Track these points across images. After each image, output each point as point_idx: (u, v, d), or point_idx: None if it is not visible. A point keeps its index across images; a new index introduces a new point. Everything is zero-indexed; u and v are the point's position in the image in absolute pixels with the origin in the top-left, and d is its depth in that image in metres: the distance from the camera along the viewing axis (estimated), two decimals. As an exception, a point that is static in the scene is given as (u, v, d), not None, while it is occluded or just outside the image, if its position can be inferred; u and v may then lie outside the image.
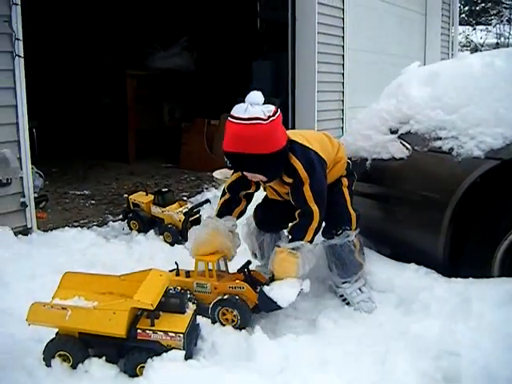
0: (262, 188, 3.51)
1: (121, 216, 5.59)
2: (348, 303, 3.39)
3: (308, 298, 3.42)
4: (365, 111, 4.04)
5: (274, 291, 3.03)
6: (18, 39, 4.50)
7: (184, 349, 2.65)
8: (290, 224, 3.23)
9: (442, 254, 3.35)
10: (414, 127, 3.60)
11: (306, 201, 3.10)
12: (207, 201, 4.95)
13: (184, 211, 4.76)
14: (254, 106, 2.96)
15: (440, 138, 3.45)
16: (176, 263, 3.16)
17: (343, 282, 3.41)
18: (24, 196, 4.71)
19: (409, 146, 3.59)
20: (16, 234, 4.53)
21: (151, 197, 5.09)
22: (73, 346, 2.71)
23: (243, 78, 9.15)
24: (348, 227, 3.35)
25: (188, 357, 2.68)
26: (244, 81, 9.05)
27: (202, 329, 2.96)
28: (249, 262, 3.33)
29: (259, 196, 3.68)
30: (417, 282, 3.33)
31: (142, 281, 2.80)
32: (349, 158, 3.88)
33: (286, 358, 2.76)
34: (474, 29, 25.19)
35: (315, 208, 3.10)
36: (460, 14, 14.34)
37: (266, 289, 3.07)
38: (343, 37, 8.40)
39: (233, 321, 3.12)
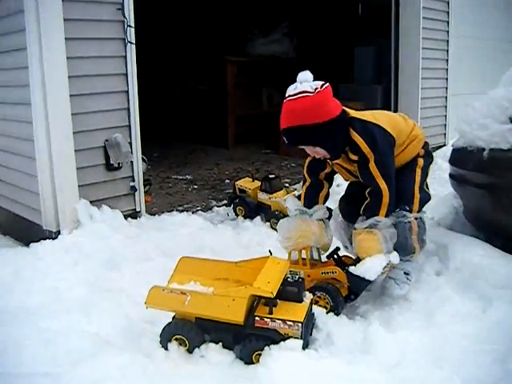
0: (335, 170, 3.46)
1: (224, 201, 5.65)
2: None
3: (421, 289, 3.35)
4: (481, 99, 3.88)
5: (359, 269, 3.05)
6: (130, 26, 4.58)
7: (301, 338, 2.64)
8: (363, 205, 3.19)
9: None
10: (538, 116, 3.45)
11: (374, 177, 3.09)
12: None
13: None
14: (302, 83, 3.01)
15: None
16: (270, 251, 3.16)
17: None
18: (133, 180, 4.82)
19: (530, 137, 3.44)
20: (126, 217, 4.64)
21: (258, 183, 5.10)
22: (190, 331, 2.75)
23: (344, 64, 9.06)
24: (407, 207, 3.25)
25: (305, 346, 2.67)
26: (345, 67, 8.98)
27: (317, 318, 2.94)
28: (338, 248, 3.35)
29: (342, 189, 3.64)
30: (537, 279, 3.20)
31: (258, 268, 2.81)
32: (464, 147, 3.78)
33: (402, 352, 2.70)
34: None
35: (383, 185, 3.07)
36: None
37: (351, 268, 3.09)
38: (448, 22, 8.12)
39: (325, 307, 3.10)
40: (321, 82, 3.05)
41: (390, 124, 3.22)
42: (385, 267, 3.07)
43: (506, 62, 7.05)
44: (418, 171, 3.37)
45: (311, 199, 3.39)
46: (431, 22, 7.75)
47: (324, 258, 3.42)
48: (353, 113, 3.22)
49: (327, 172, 3.41)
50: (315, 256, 3.40)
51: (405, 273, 3.38)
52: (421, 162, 3.40)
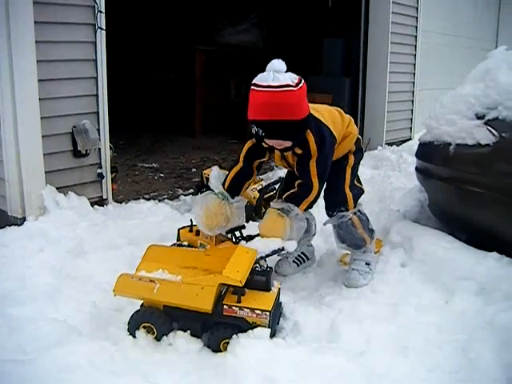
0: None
1: (191, 190, 5.66)
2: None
3: (387, 280, 3.42)
4: (449, 95, 3.94)
5: (248, 244, 3.04)
6: (101, 12, 4.54)
7: (269, 327, 2.67)
8: (288, 192, 3.20)
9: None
10: (503, 114, 3.50)
11: (310, 175, 3.10)
12: (282, 179, 4.86)
13: (259, 188, 4.76)
14: (280, 74, 2.92)
15: (530, 126, 3.36)
16: (191, 220, 3.30)
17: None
18: (101, 167, 4.79)
19: (496, 133, 3.49)
20: (92, 204, 4.61)
21: (225, 172, 5.07)
22: (158, 319, 2.76)
23: (313, 55, 9.09)
24: (343, 208, 3.38)
25: (272, 335, 2.70)
26: (314, 59, 9.00)
27: (284, 307, 2.97)
28: (243, 227, 3.39)
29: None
30: (499, 271, 3.26)
31: (226, 257, 2.82)
32: (431, 142, 3.84)
33: (368, 341, 2.75)
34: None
35: (316, 183, 3.11)
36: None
37: (242, 243, 3.10)
38: (417, 17, 8.22)
39: None
40: (298, 76, 3.00)
41: (332, 123, 3.24)
42: (276, 252, 3.04)
43: (473, 58, 7.15)
44: (349, 170, 3.43)
45: (236, 185, 3.36)
46: (400, 16, 7.85)
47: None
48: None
49: (262, 161, 3.40)
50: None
51: (366, 263, 3.52)
52: (351, 160, 3.45)
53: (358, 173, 3.55)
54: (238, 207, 3.33)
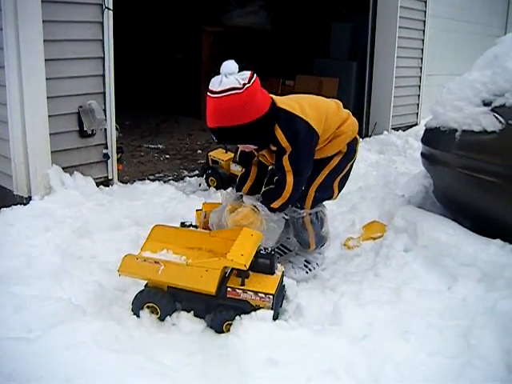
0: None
1: (196, 172, 5.67)
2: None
3: (390, 265, 3.42)
4: (456, 81, 3.92)
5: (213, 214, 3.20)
6: (108, -9, 4.54)
7: (272, 309, 2.69)
8: (267, 187, 3.21)
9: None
10: (510, 101, 3.47)
11: (284, 170, 3.03)
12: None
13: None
14: (228, 77, 2.86)
15: (537, 114, 3.35)
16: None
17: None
18: (107, 147, 4.80)
19: (502, 120, 3.48)
20: (98, 184, 4.63)
21: (231, 154, 5.11)
22: (162, 299, 2.78)
23: (320, 39, 9.05)
24: (299, 205, 3.27)
25: (275, 317, 2.72)
26: (321, 42, 8.96)
27: (287, 290, 2.99)
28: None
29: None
30: (502, 259, 3.25)
31: (231, 238, 2.84)
32: (437, 128, 3.83)
33: (370, 324, 2.76)
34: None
35: (290, 180, 3.04)
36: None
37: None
38: (425, 2, 8.15)
39: None
40: (247, 75, 2.91)
41: (317, 118, 3.13)
42: None
43: (481, 44, 7.12)
44: (325, 171, 3.31)
45: (240, 186, 3.40)
46: (409, 1, 7.79)
47: None
48: (281, 101, 3.12)
49: (257, 160, 3.40)
50: None
51: (305, 260, 3.44)
52: (334, 162, 3.33)
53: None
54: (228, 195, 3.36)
